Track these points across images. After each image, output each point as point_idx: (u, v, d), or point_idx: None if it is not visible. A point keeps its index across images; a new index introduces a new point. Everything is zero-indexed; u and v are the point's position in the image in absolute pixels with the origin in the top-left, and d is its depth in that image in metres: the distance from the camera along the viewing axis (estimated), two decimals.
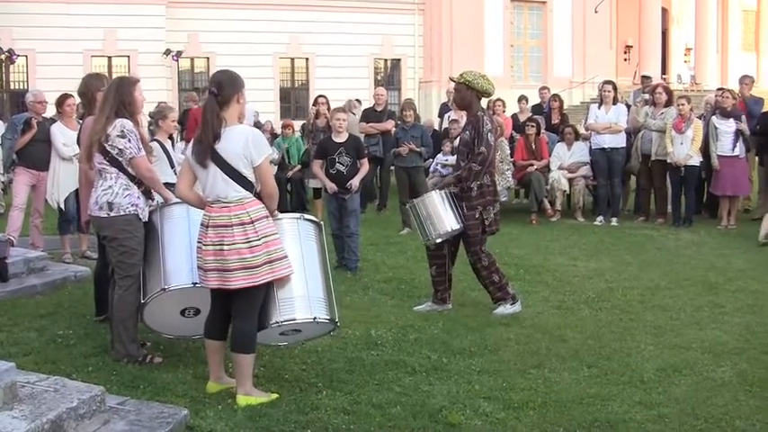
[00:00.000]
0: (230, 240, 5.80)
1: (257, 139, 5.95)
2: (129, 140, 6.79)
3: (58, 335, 7.69)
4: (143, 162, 6.93)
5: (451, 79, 9.16)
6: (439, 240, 8.74)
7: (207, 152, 5.84)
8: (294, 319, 6.20)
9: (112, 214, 6.81)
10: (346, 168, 10.89)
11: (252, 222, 5.82)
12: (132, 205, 6.83)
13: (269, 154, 6.06)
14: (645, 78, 21.57)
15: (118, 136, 6.77)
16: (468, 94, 8.73)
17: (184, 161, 6.24)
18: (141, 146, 6.91)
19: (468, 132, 8.73)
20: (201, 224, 6.00)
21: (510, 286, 8.95)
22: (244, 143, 5.83)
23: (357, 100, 20.32)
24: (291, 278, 6.13)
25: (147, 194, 7.02)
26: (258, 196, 5.98)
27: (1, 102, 31.31)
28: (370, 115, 17.14)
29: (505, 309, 8.74)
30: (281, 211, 6.49)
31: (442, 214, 8.59)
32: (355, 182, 10.93)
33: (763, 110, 15.75)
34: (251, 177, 5.89)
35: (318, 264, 6.49)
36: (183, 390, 6.24)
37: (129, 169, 6.87)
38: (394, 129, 16.22)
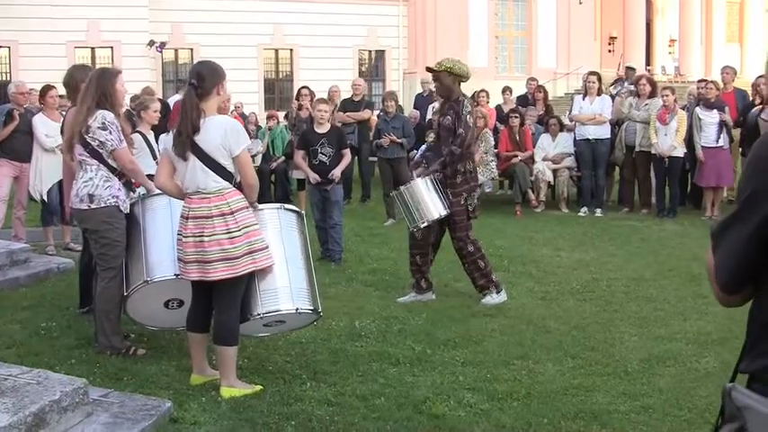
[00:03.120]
0: (210, 231, 5.79)
1: (235, 129, 5.94)
2: (111, 132, 6.77)
3: (41, 327, 7.67)
4: (125, 154, 6.92)
5: (429, 69, 9.11)
6: (424, 225, 8.74)
7: (186, 144, 5.82)
8: (276, 311, 6.20)
9: (93, 206, 6.79)
10: (329, 159, 10.91)
11: (232, 213, 5.81)
12: (113, 197, 6.81)
13: (248, 144, 6.03)
14: (629, 69, 21.60)
15: (99, 128, 6.74)
16: (450, 80, 8.73)
17: (163, 152, 6.22)
18: (122, 137, 6.89)
19: (449, 117, 8.71)
20: (181, 216, 5.98)
21: (494, 274, 8.96)
22: (222, 134, 5.81)
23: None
24: (273, 269, 6.12)
25: (128, 186, 7.01)
26: (238, 187, 5.96)
27: None
28: (347, 105, 17.18)
29: (492, 298, 8.75)
30: (265, 203, 6.48)
31: (428, 201, 8.59)
32: (337, 172, 10.95)
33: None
34: (230, 168, 5.88)
35: (300, 254, 6.48)
36: (166, 382, 6.24)
37: (110, 161, 6.85)
38: (377, 119, 16.23)
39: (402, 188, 8.84)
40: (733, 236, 2.39)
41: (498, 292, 8.84)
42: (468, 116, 8.61)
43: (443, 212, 8.63)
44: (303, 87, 16.61)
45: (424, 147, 16.02)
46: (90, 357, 6.79)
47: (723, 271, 2.42)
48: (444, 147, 8.77)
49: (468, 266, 8.91)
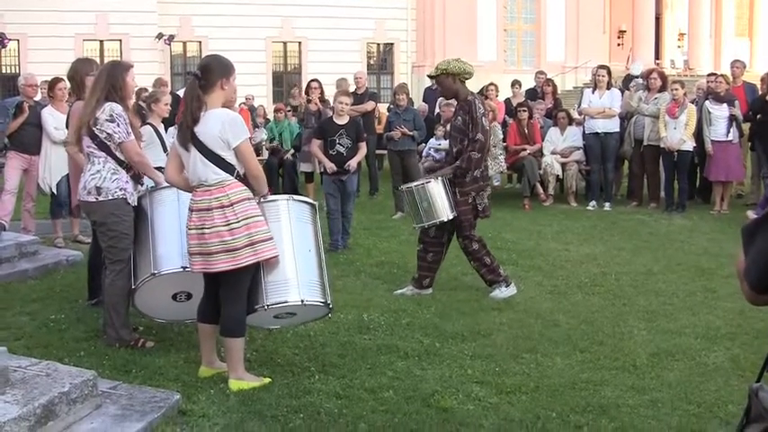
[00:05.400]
0: (210, 224, 5.80)
1: (233, 121, 5.93)
2: (118, 125, 6.78)
3: (50, 319, 7.69)
4: (132, 146, 6.91)
5: (429, 77, 9.17)
6: (427, 226, 8.74)
7: (186, 135, 5.86)
8: (282, 303, 6.15)
9: (101, 199, 6.79)
10: (346, 150, 11.04)
11: (231, 205, 5.80)
12: (120, 189, 6.81)
13: (247, 136, 6.01)
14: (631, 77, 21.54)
15: (107, 120, 6.75)
16: (449, 81, 8.73)
17: (172, 147, 6.24)
18: (130, 130, 6.89)
19: (459, 118, 8.70)
20: (189, 208, 6.00)
21: (501, 269, 8.96)
22: (220, 126, 5.81)
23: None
24: (280, 261, 6.11)
25: (136, 179, 7.01)
26: (243, 179, 5.95)
27: None
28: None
29: (501, 292, 8.74)
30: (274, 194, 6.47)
31: (438, 203, 8.56)
32: (353, 163, 11.08)
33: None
34: (230, 159, 5.87)
35: (312, 245, 6.44)
36: (175, 374, 6.24)
37: (118, 153, 6.85)
38: (388, 112, 16.22)
39: (413, 187, 8.80)
40: (766, 235, 2.37)
41: (507, 286, 8.84)
42: (483, 119, 8.58)
43: (450, 216, 8.61)
44: (313, 80, 16.59)
45: (433, 140, 16.10)
46: (98, 350, 6.80)
47: (754, 268, 2.40)
48: (453, 146, 8.77)
49: (475, 263, 8.92)
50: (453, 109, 9.31)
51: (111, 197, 6.79)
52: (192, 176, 5.93)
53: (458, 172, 8.60)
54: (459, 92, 8.77)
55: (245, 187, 5.95)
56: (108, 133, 6.77)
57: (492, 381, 6.21)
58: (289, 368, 6.44)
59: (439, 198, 8.58)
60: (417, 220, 8.79)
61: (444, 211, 8.59)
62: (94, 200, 6.82)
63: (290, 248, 6.22)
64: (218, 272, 5.89)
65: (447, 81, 8.73)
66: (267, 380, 6.10)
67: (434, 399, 5.83)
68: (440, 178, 8.64)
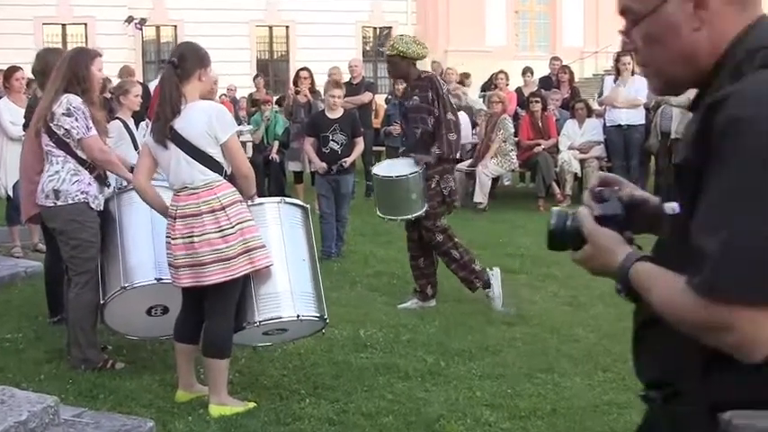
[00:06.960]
0: (200, 230, 5.75)
1: (220, 113, 5.95)
2: (77, 119, 6.71)
3: (6, 339, 7.67)
4: (94, 142, 6.84)
5: (382, 52, 9.30)
6: (390, 220, 9.02)
7: (165, 130, 5.81)
8: (276, 318, 6.16)
9: (59, 203, 6.75)
10: (341, 147, 11.00)
11: (223, 208, 5.78)
12: (82, 192, 6.76)
13: (236, 130, 6.02)
14: None
15: (63, 114, 6.69)
16: (404, 64, 8.82)
17: (143, 146, 6.20)
18: (91, 124, 6.82)
19: (417, 97, 8.72)
20: (169, 216, 5.94)
21: (477, 263, 8.86)
22: (207, 120, 5.80)
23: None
24: (272, 271, 6.09)
25: (101, 180, 6.95)
26: (231, 180, 5.93)
27: None
28: (345, 89, 17.17)
29: (493, 293, 8.70)
30: (259, 197, 6.46)
31: (411, 199, 8.58)
32: (349, 159, 11.11)
33: None
34: (218, 157, 5.85)
35: (305, 253, 6.46)
36: (148, 399, 6.22)
37: (79, 152, 6.79)
38: (386, 104, 16.22)
39: (408, 176, 8.67)
40: None
41: (487, 286, 8.76)
42: (449, 96, 8.79)
43: (420, 212, 8.64)
44: (302, 69, 16.58)
45: None
46: (61, 372, 6.77)
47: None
48: (416, 128, 8.76)
49: (443, 258, 8.88)
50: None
51: (70, 201, 6.73)
52: (175, 180, 5.89)
53: (437, 158, 8.60)
54: (410, 74, 8.89)
55: (235, 188, 5.93)
56: (66, 129, 6.71)
57: (504, 404, 6.20)
58: (276, 391, 6.43)
59: (414, 193, 8.62)
60: (400, 213, 8.76)
61: (417, 208, 8.65)
62: (52, 204, 6.77)
63: (281, 257, 6.22)
64: (209, 285, 5.86)
65: (402, 63, 8.83)
66: (252, 404, 6.09)
67: (439, 424, 5.82)
68: (416, 173, 8.62)
